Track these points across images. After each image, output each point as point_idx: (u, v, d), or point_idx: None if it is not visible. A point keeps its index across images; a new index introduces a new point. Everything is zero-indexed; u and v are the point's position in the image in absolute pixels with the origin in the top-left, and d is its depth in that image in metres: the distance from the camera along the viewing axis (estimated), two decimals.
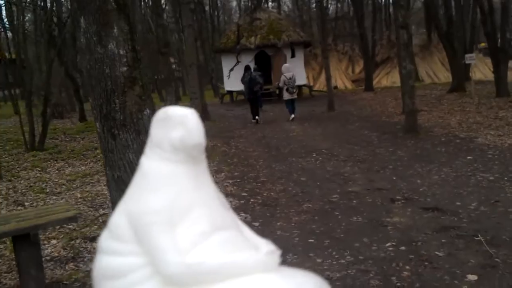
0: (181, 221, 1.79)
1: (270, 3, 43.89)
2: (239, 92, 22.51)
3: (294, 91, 14.11)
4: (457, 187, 5.89)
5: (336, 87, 31.08)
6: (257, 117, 14.21)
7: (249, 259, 1.81)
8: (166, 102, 8.04)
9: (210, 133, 11.04)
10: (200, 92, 15.25)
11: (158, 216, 1.78)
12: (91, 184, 7.25)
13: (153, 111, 4.16)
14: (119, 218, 1.91)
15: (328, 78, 16.70)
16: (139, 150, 2.55)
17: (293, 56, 22.99)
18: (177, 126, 1.89)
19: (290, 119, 14.07)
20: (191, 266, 1.72)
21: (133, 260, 1.82)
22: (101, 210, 5.83)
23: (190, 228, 1.80)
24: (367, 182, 6.47)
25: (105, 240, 1.95)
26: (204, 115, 14.61)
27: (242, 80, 15.37)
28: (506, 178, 6.03)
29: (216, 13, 42.45)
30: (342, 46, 38.63)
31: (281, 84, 14.47)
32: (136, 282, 1.80)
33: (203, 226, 1.82)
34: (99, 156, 9.00)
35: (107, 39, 3.08)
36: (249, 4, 24.47)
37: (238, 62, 22.27)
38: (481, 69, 29.50)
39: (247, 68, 15.36)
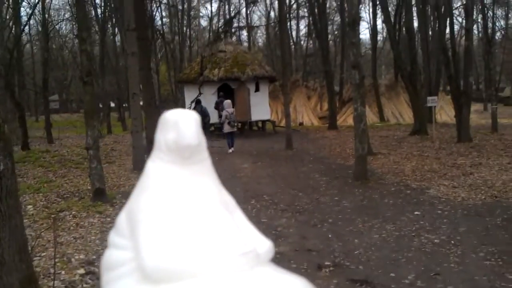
0: (162, 219, 1.84)
1: (241, 37, 43.85)
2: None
3: (235, 124, 15.09)
4: (397, 250, 5.17)
5: (302, 124, 30.72)
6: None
7: (219, 259, 1.83)
8: (86, 138, 7.15)
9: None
10: (151, 124, 14.44)
11: (143, 214, 1.85)
12: None
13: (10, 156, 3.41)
14: (122, 215, 2.01)
15: (288, 115, 16.11)
16: None
17: (257, 90, 22.48)
18: (171, 128, 1.98)
19: (229, 151, 14.69)
20: (161, 264, 1.77)
21: (125, 254, 1.90)
22: None
23: (169, 227, 1.84)
24: (299, 240, 5.69)
25: (112, 235, 2.03)
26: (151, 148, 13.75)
27: None
28: (452, 242, 5.35)
29: (188, 43, 42.01)
30: (313, 82, 38.58)
31: (223, 119, 15.17)
32: (123, 275, 1.87)
33: (182, 225, 1.86)
34: None
35: None
36: (216, 35, 23.92)
37: (200, 94, 21.58)
38: (447, 111, 29.57)
39: (198, 102, 16.50)
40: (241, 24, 38.98)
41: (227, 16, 39.30)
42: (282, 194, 8.33)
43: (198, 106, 16.24)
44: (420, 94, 18.90)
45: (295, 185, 9.14)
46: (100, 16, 29.46)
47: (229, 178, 10.09)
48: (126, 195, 8.08)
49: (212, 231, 1.94)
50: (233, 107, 15.58)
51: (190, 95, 22.16)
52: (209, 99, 21.78)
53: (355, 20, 8.50)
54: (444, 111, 30.83)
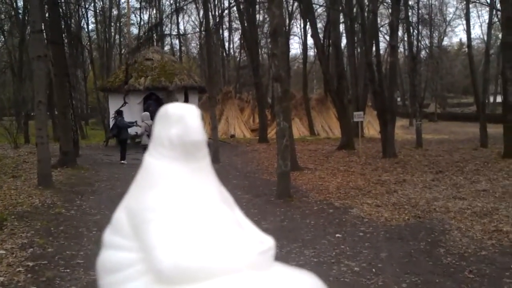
0: (175, 218, 1.80)
1: (173, 47, 42.98)
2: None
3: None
4: None
5: (233, 136, 30.28)
6: (123, 161, 14.78)
7: (239, 258, 1.80)
8: None
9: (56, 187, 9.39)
10: (65, 135, 13.39)
11: (154, 213, 1.80)
12: None
13: None
14: (120, 213, 1.95)
15: (214, 127, 15.53)
16: None
17: (186, 101, 21.78)
18: (175, 123, 1.93)
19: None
20: (181, 264, 1.72)
21: (130, 256, 1.83)
22: None
23: (183, 226, 1.80)
24: None
25: (108, 234, 1.96)
26: (64, 161, 12.72)
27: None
28: (373, 271, 4.95)
29: (118, 51, 40.43)
30: (247, 94, 38.33)
31: (142, 131, 14.65)
32: (130, 277, 1.81)
33: (196, 224, 1.83)
34: None
35: None
36: (139, 41, 22.97)
37: (125, 103, 20.62)
38: (375, 126, 30.22)
39: (119, 113, 15.91)
40: (173, 32, 38.12)
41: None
42: None
43: (118, 117, 15.68)
44: (347, 109, 19.00)
45: None
46: (19, 17, 27.53)
47: None
48: (22, 215, 7.15)
49: (224, 229, 1.91)
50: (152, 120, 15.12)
51: (114, 104, 21.07)
52: (134, 108, 20.83)
53: (276, 31, 8.11)
54: (372, 125, 31.55)
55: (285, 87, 8.72)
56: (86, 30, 37.87)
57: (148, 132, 13.94)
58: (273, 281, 1.81)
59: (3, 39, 32.49)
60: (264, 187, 10.19)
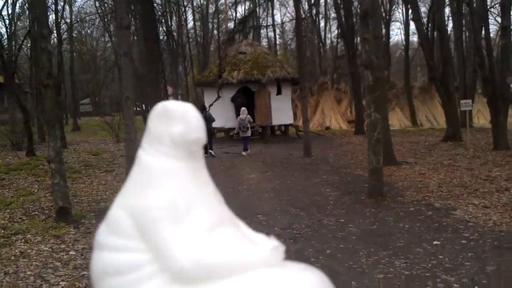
0: (185, 216, 1.78)
1: (269, 39, 42.89)
2: (219, 129, 20.87)
3: (245, 130, 15.49)
4: None
5: (329, 128, 29.45)
6: (210, 151, 14.73)
7: (255, 255, 1.81)
8: (48, 150, 6.23)
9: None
10: None
11: (162, 212, 1.77)
12: None
13: None
14: (118, 212, 1.87)
15: (306, 120, 14.92)
16: None
17: (279, 93, 21.41)
18: (177, 121, 1.90)
19: (243, 154, 15.28)
20: (200, 261, 1.71)
21: (139, 256, 1.77)
22: None
23: (194, 224, 1.79)
24: None
25: (104, 235, 1.89)
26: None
27: None
28: None
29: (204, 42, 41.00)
30: (344, 85, 37.22)
31: (237, 125, 16.05)
32: (143, 279, 1.75)
33: (206, 222, 1.83)
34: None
35: None
36: (229, 34, 22.92)
37: (218, 97, 20.68)
38: (485, 115, 27.66)
39: (202, 107, 15.97)
40: (265, 25, 37.92)
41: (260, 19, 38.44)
42: (281, 213, 7.20)
43: (202, 113, 15.84)
44: (453, 97, 17.36)
45: (299, 201, 7.99)
46: None
47: (229, 192, 9.06)
48: (103, 212, 7.16)
49: (231, 228, 1.92)
50: (247, 113, 15.77)
51: (209, 98, 21.25)
52: (228, 102, 20.87)
53: (367, 13, 7.30)
54: (482, 114, 28.99)
55: (377, 75, 7.87)
56: (185, 27, 38.89)
57: (240, 126, 15.48)
58: (290, 275, 1.80)
59: (108, 38, 34.39)
60: (356, 184, 9.44)
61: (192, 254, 1.71)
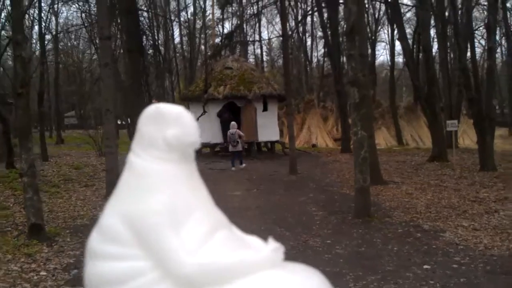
0: (185, 221, 1.76)
1: (256, 57, 42.98)
2: (204, 145, 20.58)
3: (235, 144, 15.62)
4: None
5: (315, 145, 29.33)
6: None
7: (257, 256, 1.80)
8: (21, 163, 5.92)
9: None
10: None
11: (162, 217, 1.73)
12: None
13: None
14: (112, 220, 1.81)
15: (291, 137, 14.76)
16: None
17: (265, 109, 21.23)
18: (172, 123, 1.87)
19: (232, 169, 15.29)
20: (205, 265, 1.69)
21: (139, 264, 1.73)
22: None
23: (194, 228, 1.77)
24: None
25: (97, 244, 1.82)
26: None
27: None
28: None
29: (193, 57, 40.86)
30: (331, 103, 37.31)
31: (227, 140, 16.11)
32: (146, 286, 1.72)
33: (205, 225, 1.81)
34: None
35: None
36: (215, 49, 22.77)
37: (204, 112, 20.43)
38: (470, 135, 27.80)
39: None
40: (251, 40, 37.98)
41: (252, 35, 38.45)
42: (265, 233, 6.86)
43: None
44: (439, 117, 17.36)
45: (284, 221, 7.74)
46: None
47: None
48: (78, 229, 6.81)
49: (228, 231, 1.92)
50: (236, 127, 15.95)
51: (195, 113, 20.84)
52: (214, 118, 20.63)
53: (353, 29, 7.16)
54: (467, 135, 29.14)
55: (363, 92, 7.71)
56: (172, 42, 38.79)
57: (230, 140, 15.66)
58: (293, 277, 1.79)
59: (94, 50, 34.05)
60: (342, 203, 9.23)
61: (196, 258, 1.68)
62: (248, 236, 2.08)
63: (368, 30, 32.40)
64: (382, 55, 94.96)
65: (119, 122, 32.65)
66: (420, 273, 5.08)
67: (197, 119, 17.50)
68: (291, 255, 5.57)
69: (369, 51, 29.22)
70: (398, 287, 4.68)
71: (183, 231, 1.74)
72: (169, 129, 1.85)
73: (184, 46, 41.27)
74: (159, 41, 35.45)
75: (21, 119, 5.95)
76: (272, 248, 1.87)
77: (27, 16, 21.45)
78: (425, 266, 5.28)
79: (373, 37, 35.60)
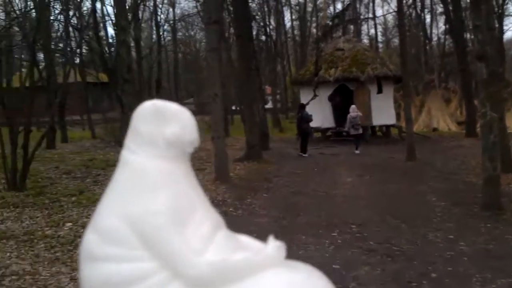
0: (188, 220, 1.74)
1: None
2: (315, 129, 20.12)
3: (357, 127, 15.34)
4: None
5: (436, 129, 27.44)
6: (304, 154, 14.67)
7: (260, 255, 1.79)
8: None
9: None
10: (252, 128, 13.25)
11: (167, 217, 1.71)
12: None
13: None
14: (112, 221, 1.76)
15: (409, 120, 13.73)
16: None
17: (379, 91, 20.15)
18: (171, 121, 1.83)
19: (356, 152, 15.12)
20: (215, 264, 1.68)
21: (144, 266, 1.71)
22: None
23: (198, 227, 1.76)
24: None
25: (98, 246, 1.77)
26: (250, 155, 12.61)
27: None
28: None
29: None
30: (453, 84, 34.76)
31: (348, 123, 15.71)
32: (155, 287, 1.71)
33: (208, 225, 1.80)
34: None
35: None
36: (324, 29, 21.95)
37: (315, 95, 19.91)
38: None
39: (301, 106, 16.11)
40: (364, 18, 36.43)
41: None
42: (378, 224, 6.37)
43: (301, 111, 15.88)
44: None
45: (400, 211, 7.07)
46: None
47: (322, 195, 8.41)
48: None
49: (227, 230, 1.92)
50: (357, 110, 15.70)
51: (305, 97, 20.54)
52: (325, 102, 20.07)
53: None
54: None
55: (492, 68, 6.69)
56: (283, 26, 38.63)
57: (352, 123, 15.33)
58: (295, 275, 1.80)
59: None
60: (467, 193, 8.26)
61: (205, 258, 1.68)
62: (241, 236, 2.03)
63: (495, 3, 29.33)
64: (510, 30, 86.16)
65: (233, 108, 33.36)
66: None
67: (308, 102, 17.41)
68: (407, 251, 5.01)
69: (496, 25, 26.46)
70: None
71: (188, 230, 1.72)
72: (168, 126, 1.81)
73: (295, 31, 40.87)
74: (270, 26, 35.45)
75: (129, 105, 6.02)
76: (275, 246, 1.84)
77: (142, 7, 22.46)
78: None
79: (499, 11, 32.19)
